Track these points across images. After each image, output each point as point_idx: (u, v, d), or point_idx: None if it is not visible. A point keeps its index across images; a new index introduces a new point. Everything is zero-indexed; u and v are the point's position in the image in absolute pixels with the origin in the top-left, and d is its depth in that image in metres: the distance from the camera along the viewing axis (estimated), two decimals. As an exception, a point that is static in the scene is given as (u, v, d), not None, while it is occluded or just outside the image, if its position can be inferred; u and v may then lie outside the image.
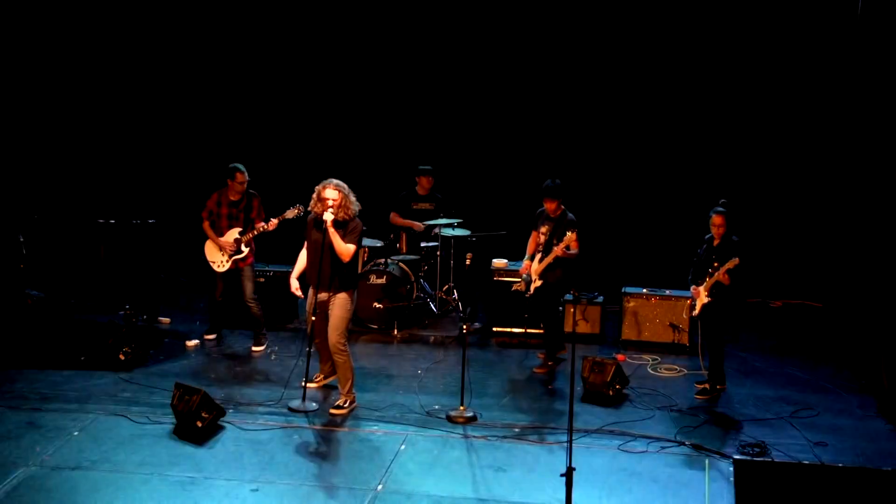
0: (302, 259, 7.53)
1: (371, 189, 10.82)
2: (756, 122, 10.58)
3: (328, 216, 7.04)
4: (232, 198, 8.76)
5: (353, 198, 7.19)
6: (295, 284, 7.55)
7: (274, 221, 8.48)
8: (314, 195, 7.21)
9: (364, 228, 7.37)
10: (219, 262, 8.80)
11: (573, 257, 8.27)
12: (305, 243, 7.46)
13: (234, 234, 8.72)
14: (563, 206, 8.38)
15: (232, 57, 11.24)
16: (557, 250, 8.14)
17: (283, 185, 10.05)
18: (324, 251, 7.15)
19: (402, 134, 11.33)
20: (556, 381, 8.27)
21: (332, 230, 7.06)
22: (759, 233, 10.17)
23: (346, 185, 7.18)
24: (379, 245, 9.96)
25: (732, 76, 10.49)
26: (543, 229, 8.45)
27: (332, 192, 7.09)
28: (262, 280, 9.58)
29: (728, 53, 10.43)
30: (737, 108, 10.57)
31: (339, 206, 7.10)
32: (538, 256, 8.41)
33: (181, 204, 10.65)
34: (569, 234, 8.08)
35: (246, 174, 8.69)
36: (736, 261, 7.45)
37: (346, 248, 7.12)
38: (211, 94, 11.33)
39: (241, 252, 8.73)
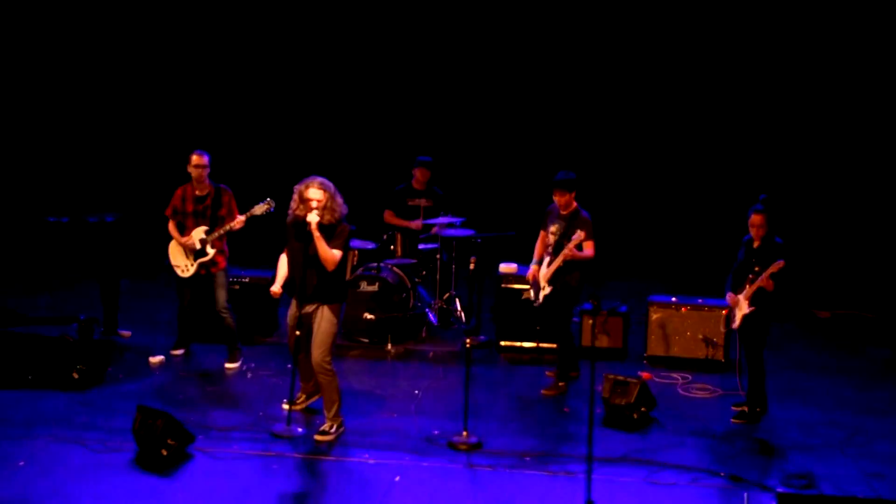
0: (283, 266, 7.48)
1: (362, 184, 10.82)
2: (803, 114, 10.57)
3: (313, 217, 7.00)
4: (198, 192, 8.71)
5: (339, 198, 7.15)
6: (276, 288, 7.49)
7: (241, 218, 8.43)
8: (295, 195, 7.17)
9: (353, 229, 7.31)
10: (183, 266, 8.76)
11: (586, 260, 8.22)
12: (286, 249, 7.41)
13: (199, 233, 8.68)
14: (576, 202, 8.33)
15: (200, 36, 11.20)
16: (566, 251, 8.09)
17: (258, 181, 10.02)
18: (307, 258, 7.10)
19: (396, 123, 11.29)
20: (573, 402, 8.22)
21: (317, 234, 7.01)
22: (804, 234, 10.14)
23: (331, 184, 7.15)
24: (371, 248, 9.92)
25: (775, 62, 10.47)
26: (553, 228, 8.40)
27: (316, 191, 7.05)
28: (236, 287, 9.53)
29: (766, 40, 10.42)
30: (781, 98, 10.56)
31: (325, 208, 7.05)
32: (547, 260, 8.37)
33: (145, 200, 10.61)
34: (579, 232, 8.03)
35: (204, 158, 8.62)
36: (781, 264, 7.41)
37: (331, 255, 7.08)
38: (177, 77, 11.29)
39: (206, 254, 8.66)
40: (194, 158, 8.63)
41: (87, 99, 11.22)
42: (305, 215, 7.07)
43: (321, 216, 7.05)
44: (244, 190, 9.24)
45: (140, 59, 11.20)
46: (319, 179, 7.13)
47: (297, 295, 7.24)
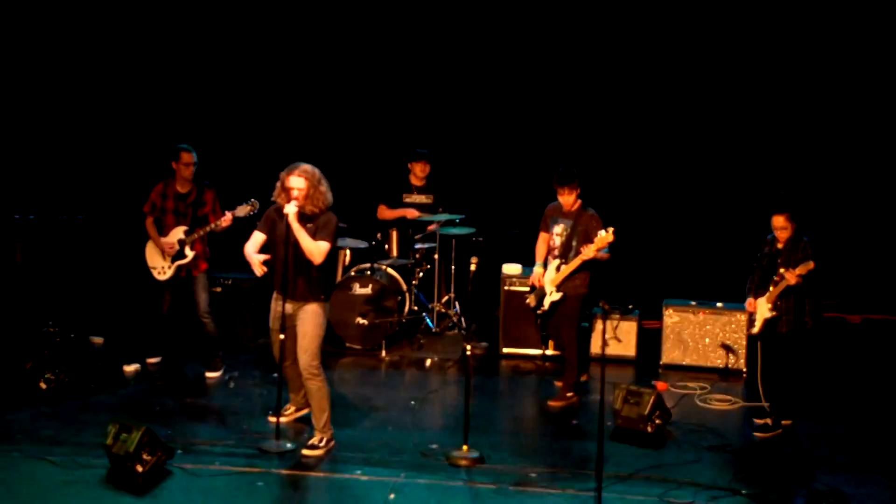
0: (254, 240, 7.31)
1: (354, 180, 10.78)
2: (830, 107, 10.52)
3: (290, 208, 7.01)
4: (179, 189, 8.71)
5: (324, 187, 7.16)
6: (257, 258, 7.23)
7: (228, 216, 8.43)
8: (278, 183, 7.19)
9: (342, 225, 7.30)
10: (160, 268, 8.76)
11: (604, 260, 8.22)
12: (254, 235, 7.31)
13: (178, 233, 8.68)
14: (580, 200, 8.33)
15: (177, 19, 11.15)
16: (589, 252, 8.06)
17: (244, 176, 9.98)
18: (289, 251, 7.10)
19: (391, 112, 11.26)
20: (581, 415, 8.20)
21: (295, 224, 7.03)
22: (833, 233, 10.12)
23: (317, 172, 7.16)
24: (363, 246, 9.91)
25: (801, 53, 10.44)
26: (559, 229, 8.39)
27: (297, 179, 7.07)
28: (218, 290, 9.51)
29: (788, 32, 10.39)
30: (807, 87, 10.52)
31: (306, 197, 7.06)
32: (555, 263, 8.35)
33: (120, 196, 10.60)
34: (603, 232, 7.99)
35: (194, 155, 8.64)
36: (811, 265, 7.38)
37: (316, 247, 7.08)
38: (154, 63, 11.26)
39: (185, 256, 8.66)
40: (185, 156, 8.62)
41: (58, 91, 11.18)
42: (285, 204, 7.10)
43: (302, 206, 7.06)
44: (225, 188, 9.22)
45: (112, 47, 11.17)
46: (303, 166, 7.14)
47: (279, 291, 7.24)
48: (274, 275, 7.31)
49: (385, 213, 10.23)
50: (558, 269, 8.32)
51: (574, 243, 8.25)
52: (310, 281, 7.21)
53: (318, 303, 7.25)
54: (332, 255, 7.28)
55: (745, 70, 10.64)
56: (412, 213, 10.12)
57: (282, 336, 7.31)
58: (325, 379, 7.31)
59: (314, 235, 7.11)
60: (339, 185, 7.40)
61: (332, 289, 9.37)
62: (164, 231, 8.74)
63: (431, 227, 10.04)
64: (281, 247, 7.19)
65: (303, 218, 7.10)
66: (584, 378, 8.73)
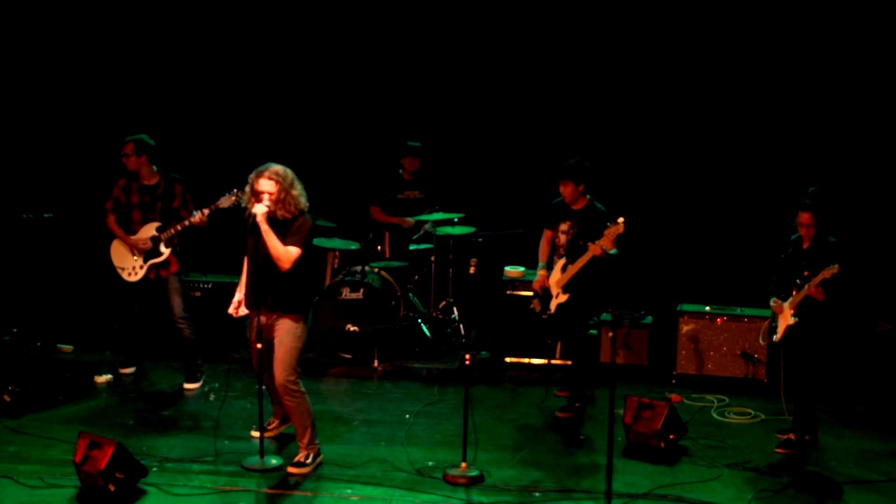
0: (245, 275, 7.49)
1: (344, 176, 10.80)
2: (860, 95, 10.51)
3: (259, 209, 7.04)
4: (145, 182, 8.70)
5: (296, 190, 7.18)
6: (238, 298, 7.49)
7: (204, 212, 8.43)
8: (247, 188, 7.22)
9: (314, 225, 7.31)
10: (130, 268, 8.74)
11: (612, 259, 8.21)
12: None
13: (150, 230, 8.68)
14: (588, 195, 8.30)
15: (150, 6, 11.14)
16: (595, 248, 8.05)
17: (220, 170, 9.97)
18: (260, 258, 7.12)
19: (383, 102, 11.27)
20: (589, 429, 8.22)
21: (265, 227, 7.05)
22: (863, 232, 10.13)
23: (289, 174, 7.19)
24: (354, 248, 9.92)
25: (825, 39, 10.44)
26: (564, 226, 8.38)
27: (267, 182, 7.11)
28: (197, 294, 9.51)
29: (819, 20, 10.38)
30: (835, 74, 10.51)
31: (277, 201, 7.09)
32: (560, 263, 8.36)
33: (91, 192, 10.59)
34: (612, 226, 7.96)
35: (132, 146, 8.58)
36: (835, 269, 7.40)
37: (284, 252, 7.10)
38: (120, 47, 11.25)
39: (160, 254, 8.66)
40: (127, 147, 8.61)
41: (17, 83, 11.18)
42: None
43: (272, 210, 7.09)
44: (206, 181, 9.23)
45: (72, 33, 11.17)
46: (273, 168, 7.17)
47: (255, 301, 7.26)
48: (249, 283, 7.32)
49: (379, 216, 10.24)
50: (564, 269, 8.32)
51: (582, 242, 8.23)
52: (283, 289, 7.21)
53: (296, 314, 7.27)
54: (317, 260, 7.31)
55: (763, 62, 10.64)
56: (408, 224, 10.14)
57: (259, 346, 7.33)
58: (304, 393, 7.31)
59: (284, 240, 7.13)
60: (327, 181, 7.41)
61: (313, 298, 9.38)
62: (130, 228, 8.71)
63: (427, 227, 10.06)
64: (253, 253, 7.20)
65: (275, 224, 7.11)
66: (588, 394, 8.72)
